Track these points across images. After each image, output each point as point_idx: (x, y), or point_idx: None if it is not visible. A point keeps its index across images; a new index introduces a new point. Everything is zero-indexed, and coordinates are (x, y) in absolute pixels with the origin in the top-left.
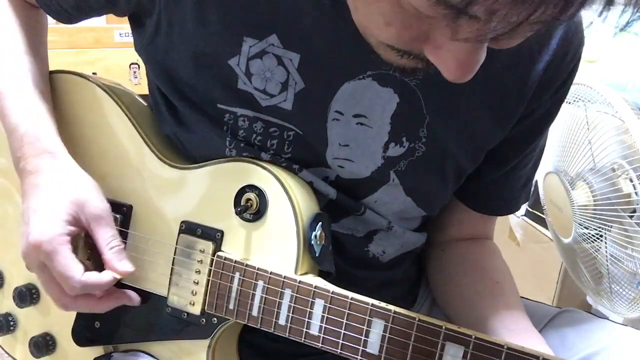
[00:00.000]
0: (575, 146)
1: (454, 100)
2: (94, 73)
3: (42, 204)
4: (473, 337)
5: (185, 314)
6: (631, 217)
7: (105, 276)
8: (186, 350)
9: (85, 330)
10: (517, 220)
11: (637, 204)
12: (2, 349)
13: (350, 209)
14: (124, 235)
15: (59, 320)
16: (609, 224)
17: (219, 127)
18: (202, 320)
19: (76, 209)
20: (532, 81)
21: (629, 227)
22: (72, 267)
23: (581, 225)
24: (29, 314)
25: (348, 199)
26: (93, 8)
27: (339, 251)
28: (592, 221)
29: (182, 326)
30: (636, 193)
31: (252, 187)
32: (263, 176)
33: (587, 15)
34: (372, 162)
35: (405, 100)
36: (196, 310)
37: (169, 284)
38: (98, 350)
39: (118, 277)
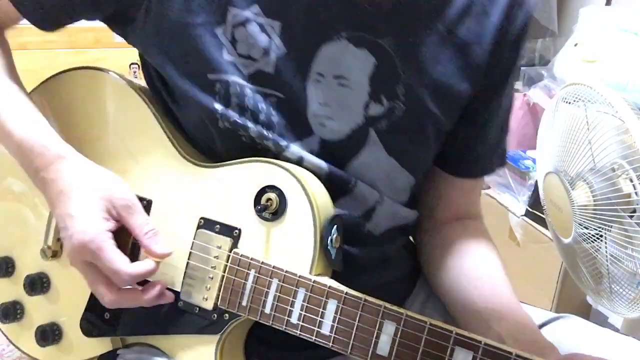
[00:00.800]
0: (575, 146)
1: (423, 57)
2: None
3: (75, 206)
4: (482, 342)
5: (197, 309)
6: (631, 217)
7: (149, 263)
8: (194, 345)
9: (95, 321)
10: (517, 220)
11: (637, 204)
12: (7, 337)
13: (342, 183)
14: None
15: (67, 311)
16: (609, 224)
17: (209, 100)
18: (214, 316)
19: (106, 204)
20: (489, 34)
21: (629, 227)
22: (120, 260)
23: (581, 225)
24: (37, 303)
25: (338, 169)
26: (76, 9)
27: None
28: (592, 221)
29: (193, 321)
30: (636, 193)
31: (272, 188)
32: (284, 177)
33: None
34: (352, 120)
35: (381, 60)
36: (209, 305)
37: (183, 279)
38: (104, 343)
39: (159, 261)
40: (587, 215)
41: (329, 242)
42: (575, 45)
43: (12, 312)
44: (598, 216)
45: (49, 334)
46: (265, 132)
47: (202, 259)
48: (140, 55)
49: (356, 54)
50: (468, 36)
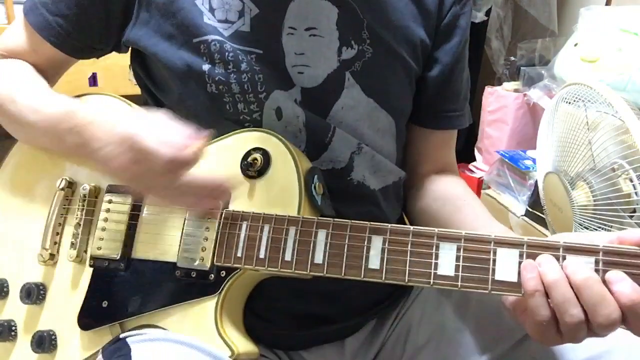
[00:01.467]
0: (575, 146)
1: (381, 3)
2: (94, 73)
3: (111, 122)
4: (463, 232)
5: (194, 272)
6: (631, 217)
7: (189, 149)
8: (194, 312)
9: (94, 311)
10: (517, 220)
11: (637, 204)
12: None
13: (321, 132)
14: (138, 208)
15: (63, 318)
16: (609, 224)
17: (199, 61)
18: (211, 276)
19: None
20: None
21: (629, 227)
22: (159, 140)
23: (581, 225)
24: (31, 314)
25: (316, 116)
26: (91, 21)
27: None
28: (592, 221)
29: (191, 287)
30: (636, 193)
31: (256, 149)
32: (265, 137)
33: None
34: (328, 65)
35: (343, 8)
36: (205, 265)
37: (179, 249)
38: (102, 338)
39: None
40: (587, 215)
41: (312, 188)
42: (575, 45)
43: (6, 330)
44: (598, 216)
45: (45, 340)
46: (248, 90)
47: (195, 224)
48: (131, 55)
49: (320, 5)
50: None
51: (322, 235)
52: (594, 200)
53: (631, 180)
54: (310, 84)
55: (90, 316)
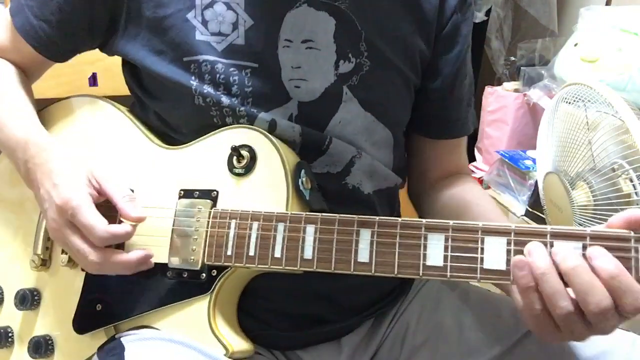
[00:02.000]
0: (575, 146)
1: (378, 14)
2: (94, 73)
3: (59, 177)
4: (451, 223)
5: (186, 273)
6: None
7: (125, 226)
8: (187, 312)
9: (89, 314)
10: (517, 220)
11: (637, 204)
12: None
13: (317, 143)
14: None
15: (58, 322)
16: None
17: (188, 78)
18: (202, 275)
19: (87, 175)
20: None
21: None
22: (98, 217)
23: (581, 226)
24: (27, 320)
25: (310, 130)
26: (75, 27)
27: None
28: (592, 221)
29: (183, 287)
30: (636, 193)
31: (242, 146)
32: (250, 134)
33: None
34: (325, 79)
35: (340, 20)
36: (196, 265)
37: (170, 250)
38: (98, 340)
39: (135, 224)
40: (587, 215)
41: (299, 183)
42: (575, 45)
43: (3, 337)
44: (598, 216)
45: (42, 346)
46: (239, 106)
47: (185, 224)
48: (122, 60)
49: (317, 16)
50: None
51: (310, 230)
52: (594, 200)
53: (631, 180)
54: (308, 98)
55: (85, 320)
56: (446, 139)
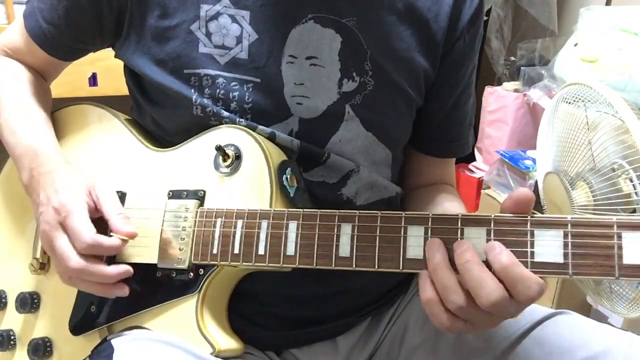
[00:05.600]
0: (575, 146)
1: (385, 33)
2: (94, 73)
3: (61, 184)
4: (430, 214)
5: (174, 272)
6: None
7: (113, 239)
8: (176, 311)
9: (83, 316)
10: None
11: (637, 204)
12: None
13: (315, 156)
14: None
15: (56, 325)
16: None
17: (188, 90)
18: (190, 274)
19: (88, 187)
20: (444, 12)
21: None
22: (88, 224)
23: None
24: (28, 323)
25: (311, 146)
26: (84, 28)
27: (313, 199)
28: None
29: (172, 286)
30: (636, 193)
31: (227, 146)
32: (235, 133)
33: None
34: (327, 97)
35: (346, 37)
36: (184, 264)
37: (159, 250)
38: (94, 342)
39: (125, 238)
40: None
41: (284, 179)
42: (575, 45)
43: (6, 340)
44: (598, 216)
45: (40, 348)
46: (238, 118)
47: (173, 224)
48: (124, 66)
49: (323, 33)
50: (425, 13)
51: (293, 226)
52: (594, 200)
53: (631, 180)
54: (309, 115)
55: (80, 321)
56: (442, 157)
